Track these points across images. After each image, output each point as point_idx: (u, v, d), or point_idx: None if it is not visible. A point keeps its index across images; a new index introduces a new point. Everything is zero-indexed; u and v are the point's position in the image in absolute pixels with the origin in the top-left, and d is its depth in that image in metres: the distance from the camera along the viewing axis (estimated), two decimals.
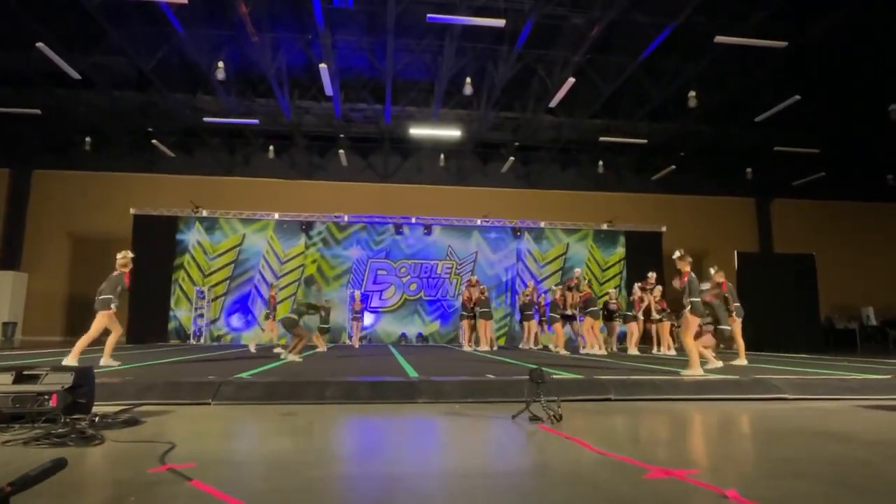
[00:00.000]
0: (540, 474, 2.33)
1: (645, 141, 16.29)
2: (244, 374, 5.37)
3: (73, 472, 2.27)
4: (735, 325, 7.94)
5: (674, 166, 18.04)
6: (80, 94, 14.40)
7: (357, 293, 12.50)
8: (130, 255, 6.71)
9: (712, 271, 8.60)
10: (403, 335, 16.00)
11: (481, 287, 10.99)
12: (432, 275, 17.35)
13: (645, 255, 17.74)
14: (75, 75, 12.34)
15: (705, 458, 2.64)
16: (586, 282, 10.46)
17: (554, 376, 3.97)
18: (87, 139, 16.67)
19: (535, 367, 3.77)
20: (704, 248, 19.67)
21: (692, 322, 6.41)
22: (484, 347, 10.38)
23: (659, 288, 11.05)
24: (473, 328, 11.70)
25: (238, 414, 3.88)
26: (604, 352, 9.72)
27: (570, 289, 10.34)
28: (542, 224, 18.03)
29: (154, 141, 16.45)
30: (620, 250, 18.32)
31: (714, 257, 19.39)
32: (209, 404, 4.13)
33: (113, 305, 6.40)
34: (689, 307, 6.25)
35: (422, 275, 17.37)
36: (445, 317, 16.88)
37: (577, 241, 18.29)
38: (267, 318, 10.90)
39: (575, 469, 2.40)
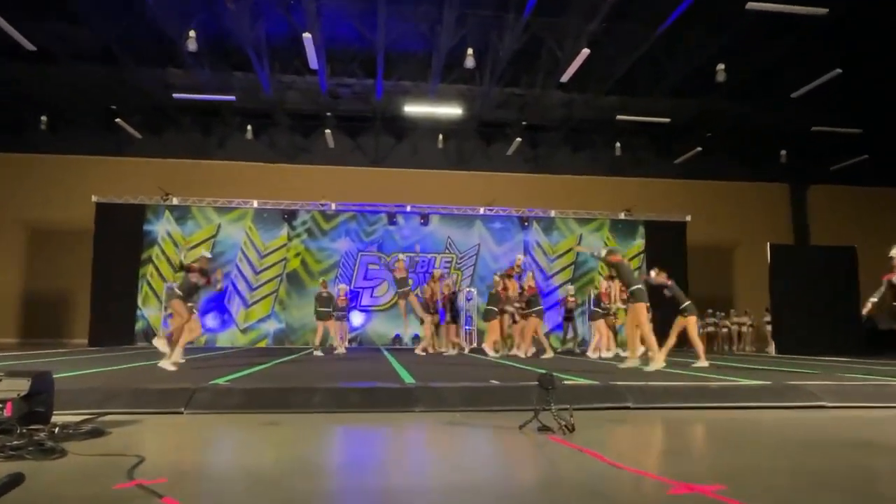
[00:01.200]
0: (550, 490, 2.34)
1: (667, 120, 16.27)
2: (221, 380, 5.37)
3: (32, 488, 2.27)
4: (689, 325, 8.37)
5: (699, 148, 18.03)
6: (35, 67, 14.32)
7: (342, 287, 12.43)
8: (207, 255, 7.89)
9: (653, 274, 9.26)
10: (398, 337, 16.03)
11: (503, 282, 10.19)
12: (430, 269, 17.38)
13: (667, 247, 17.80)
14: (30, 47, 12.27)
15: (733, 473, 2.65)
16: (531, 273, 10.00)
17: (566, 382, 3.98)
18: (44, 118, 16.62)
19: (544, 372, 3.78)
20: (733, 240, 19.72)
21: (640, 310, 6.57)
22: (522, 351, 9.80)
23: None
24: (456, 331, 11.37)
25: (214, 424, 3.89)
26: (550, 354, 9.47)
27: (509, 277, 9.89)
28: (553, 213, 18.07)
29: (119, 120, 16.40)
30: (639, 242, 18.36)
31: (744, 250, 19.47)
32: (182, 413, 4.14)
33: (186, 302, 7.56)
34: (631, 296, 6.61)
35: (418, 270, 17.41)
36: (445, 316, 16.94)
37: (592, 232, 18.31)
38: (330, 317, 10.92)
39: (589, 484, 2.41)
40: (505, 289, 10.13)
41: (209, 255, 8.08)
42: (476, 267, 17.84)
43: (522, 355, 9.27)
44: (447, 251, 17.58)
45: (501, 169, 18.93)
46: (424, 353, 10.17)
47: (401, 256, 11.84)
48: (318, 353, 11.11)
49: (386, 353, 11.13)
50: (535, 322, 9.52)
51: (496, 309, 9.90)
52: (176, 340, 7.20)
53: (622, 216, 18.09)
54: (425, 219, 17.42)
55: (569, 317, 12.30)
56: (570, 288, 12.95)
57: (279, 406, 4.30)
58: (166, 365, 6.91)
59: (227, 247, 16.85)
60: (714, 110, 16.50)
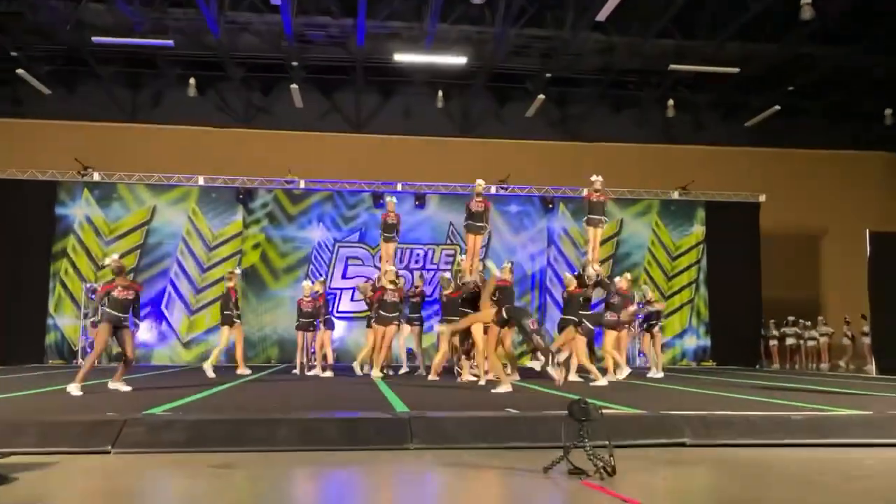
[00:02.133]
0: None
1: (735, 70, 16.19)
2: (158, 409, 5.38)
3: None
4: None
5: (777, 107, 17.97)
6: None
7: (307, 285, 12.29)
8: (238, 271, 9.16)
9: (617, 280, 10.46)
10: (409, 351, 16.04)
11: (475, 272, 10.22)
12: (427, 264, 17.38)
13: (734, 235, 17.79)
14: None
15: None
16: (509, 266, 10.07)
17: (604, 411, 3.96)
18: None
19: (576, 398, 3.78)
20: (821, 226, 19.71)
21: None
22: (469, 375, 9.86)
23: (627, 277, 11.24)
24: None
25: (150, 467, 3.89)
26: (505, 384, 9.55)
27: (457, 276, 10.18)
28: (585, 192, 17.83)
29: (20, 71, 16.34)
30: (698, 229, 18.33)
31: (835, 239, 19.46)
32: (108, 453, 4.15)
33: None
34: None
35: (412, 264, 17.40)
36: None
37: (637, 217, 18.28)
38: (226, 323, 11.02)
39: None
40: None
41: (117, 256, 8.36)
42: (485, 260, 17.80)
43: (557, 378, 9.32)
44: (449, 242, 17.57)
45: (519, 135, 18.88)
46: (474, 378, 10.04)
47: (388, 268, 11.75)
48: (318, 372, 11.45)
49: (372, 372, 11.14)
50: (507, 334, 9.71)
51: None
52: (87, 367, 7.70)
53: (676, 196, 18.05)
54: (421, 200, 17.41)
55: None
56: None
57: (234, 443, 4.30)
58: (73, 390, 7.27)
59: (165, 236, 16.86)
60: (798, 57, 16.42)
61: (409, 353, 13.25)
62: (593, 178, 11.47)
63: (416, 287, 12.67)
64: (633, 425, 4.74)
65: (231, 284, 11.20)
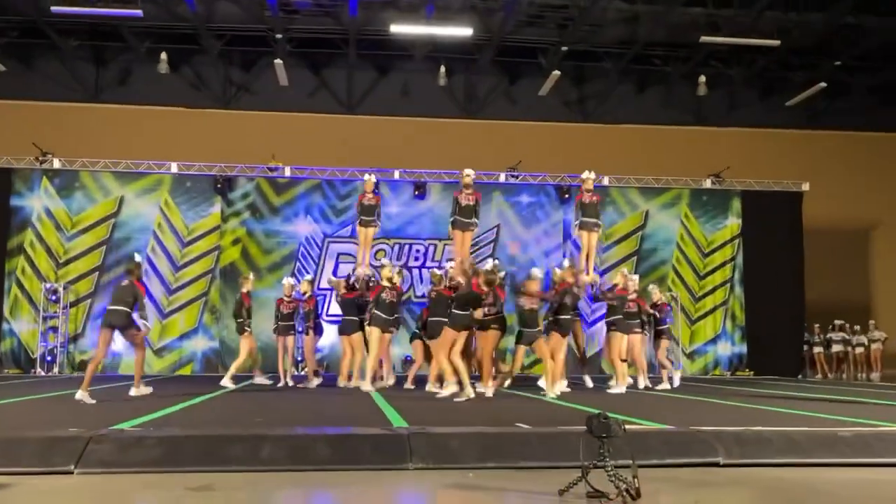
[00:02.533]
0: None
1: (775, 43, 16.13)
2: (127, 424, 5.39)
3: None
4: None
5: (822, 84, 17.90)
6: None
7: (288, 283, 12.14)
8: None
9: (559, 270, 10.24)
10: (408, 359, 16.05)
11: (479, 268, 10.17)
12: (428, 262, 17.37)
13: (774, 229, 17.75)
14: None
15: None
16: (494, 265, 10.14)
17: (627, 426, 3.95)
18: None
19: (596, 412, 3.77)
20: (871, 218, 19.65)
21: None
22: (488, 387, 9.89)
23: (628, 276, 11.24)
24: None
25: (118, 489, 3.88)
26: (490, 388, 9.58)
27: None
28: (606, 180, 17.99)
29: None
30: (734, 222, 18.31)
31: (888, 232, 19.39)
32: (71, 473, 4.15)
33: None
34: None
35: (411, 261, 17.40)
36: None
37: (663, 208, 18.27)
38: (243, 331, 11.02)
39: None
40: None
41: (139, 260, 9.10)
42: (494, 256, 17.75)
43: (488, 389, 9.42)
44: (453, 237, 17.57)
45: (531, 116, 18.87)
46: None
47: (385, 263, 11.69)
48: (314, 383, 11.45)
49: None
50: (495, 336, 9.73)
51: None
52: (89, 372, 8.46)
53: (708, 184, 18.02)
54: (421, 189, 17.39)
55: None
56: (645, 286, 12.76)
57: (212, 462, 4.30)
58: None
59: (134, 230, 16.87)
60: (844, 28, 16.35)
61: (409, 360, 13.26)
62: (584, 174, 11.50)
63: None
64: (660, 442, 4.72)
65: (245, 290, 11.07)
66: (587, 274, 10.90)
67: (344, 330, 10.85)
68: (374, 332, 10.15)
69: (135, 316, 8.78)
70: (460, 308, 8.90)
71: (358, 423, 5.76)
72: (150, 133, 17.73)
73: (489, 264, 9.96)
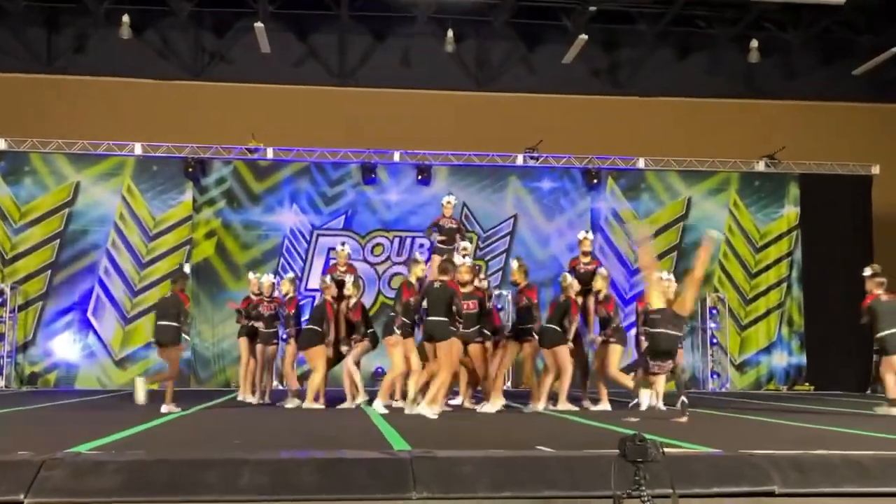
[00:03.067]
0: None
1: (840, 0, 16.04)
2: (84, 447, 5.40)
3: None
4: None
5: (895, 49, 17.78)
6: None
7: (265, 281, 11.79)
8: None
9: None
10: (379, 372, 16.08)
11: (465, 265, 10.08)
12: (430, 255, 17.37)
13: (839, 219, 17.66)
14: None
15: None
16: (515, 266, 10.53)
17: (666, 450, 3.93)
18: None
19: (631, 433, 3.76)
20: None
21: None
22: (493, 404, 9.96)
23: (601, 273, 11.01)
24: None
25: None
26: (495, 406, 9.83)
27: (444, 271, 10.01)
28: (642, 162, 17.95)
29: None
30: (791, 212, 18.27)
31: None
32: (20, 503, 4.16)
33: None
34: None
35: (415, 256, 17.39)
36: None
37: (709, 195, 18.22)
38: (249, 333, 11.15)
39: None
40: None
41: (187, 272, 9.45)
42: (510, 253, 17.78)
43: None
44: (462, 228, 17.56)
45: (554, 88, 18.79)
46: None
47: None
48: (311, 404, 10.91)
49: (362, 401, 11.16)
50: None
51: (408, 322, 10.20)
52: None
53: (761, 166, 17.97)
54: (425, 173, 17.39)
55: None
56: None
57: (182, 491, 4.30)
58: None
59: (91, 222, 16.92)
60: None
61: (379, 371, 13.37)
62: (581, 235, 11.59)
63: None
64: (705, 468, 4.70)
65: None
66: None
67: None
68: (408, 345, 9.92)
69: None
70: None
71: (352, 446, 5.77)
72: (111, 108, 17.73)
73: (514, 264, 10.20)
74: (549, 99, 18.76)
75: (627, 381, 10.29)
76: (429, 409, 8.82)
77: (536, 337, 10.03)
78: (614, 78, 19.16)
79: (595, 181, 17.72)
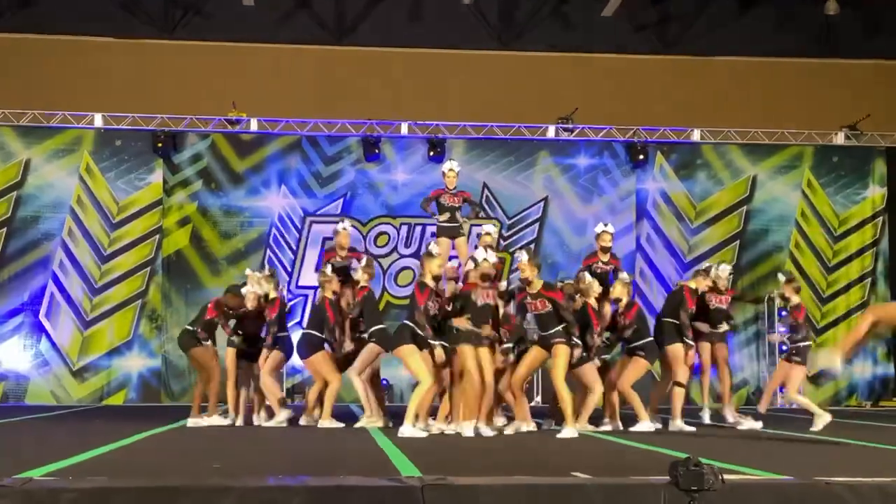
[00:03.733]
0: None
1: None
2: (37, 472, 5.44)
3: None
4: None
5: None
6: None
7: (255, 276, 11.64)
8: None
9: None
10: (385, 385, 16.11)
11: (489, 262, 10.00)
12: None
13: None
14: None
15: None
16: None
17: (726, 476, 3.91)
18: None
19: (684, 456, 3.77)
20: None
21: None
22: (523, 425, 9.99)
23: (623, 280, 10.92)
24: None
25: None
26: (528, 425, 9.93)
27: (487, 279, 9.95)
28: (696, 134, 17.93)
29: None
30: (876, 193, 18.24)
31: None
32: None
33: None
34: None
35: (423, 248, 17.37)
36: None
37: (778, 173, 18.16)
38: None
39: None
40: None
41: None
42: (540, 243, 17.78)
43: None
44: (483, 213, 17.52)
45: (591, 47, 18.75)
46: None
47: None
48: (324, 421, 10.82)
49: (361, 416, 11.18)
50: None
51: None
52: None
53: (841, 139, 17.89)
54: (438, 149, 17.38)
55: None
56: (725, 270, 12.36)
57: None
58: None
59: (44, 206, 17.00)
60: None
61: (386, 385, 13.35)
62: (600, 228, 11.31)
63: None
64: (773, 499, 4.70)
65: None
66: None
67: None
68: (467, 352, 9.84)
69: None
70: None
71: (352, 471, 5.77)
72: (66, 72, 17.75)
73: (523, 256, 9.89)
74: (586, 59, 18.72)
75: (637, 400, 10.31)
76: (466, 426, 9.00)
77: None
78: (663, 34, 19.07)
79: (641, 157, 17.68)
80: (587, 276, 10.43)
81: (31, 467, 5.68)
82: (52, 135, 17.00)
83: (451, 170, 11.74)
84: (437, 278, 9.89)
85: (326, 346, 10.70)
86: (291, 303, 15.04)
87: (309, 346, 10.64)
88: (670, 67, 18.79)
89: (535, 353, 9.72)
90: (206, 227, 17.18)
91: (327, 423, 10.42)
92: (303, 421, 10.80)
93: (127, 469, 6.06)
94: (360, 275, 10.78)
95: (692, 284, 10.88)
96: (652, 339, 10.49)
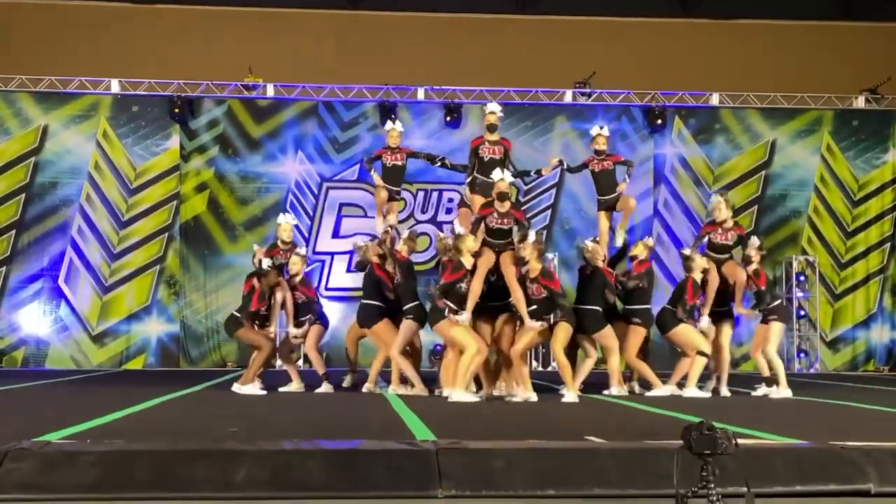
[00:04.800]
0: None
1: None
2: (55, 435, 5.48)
3: None
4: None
5: None
6: None
7: (291, 233, 11.54)
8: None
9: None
10: (438, 350, 16.14)
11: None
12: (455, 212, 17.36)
13: None
14: None
15: None
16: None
17: (741, 441, 3.91)
18: None
19: (698, 420, 3.76)
20: None
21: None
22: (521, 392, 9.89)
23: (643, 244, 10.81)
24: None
25: None
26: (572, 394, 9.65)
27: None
28: (715, 98, 17.80)
29: None
30: (895, 158, 18.11)
31: None
32: None
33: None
34: None
35: (441, 214, 17.41)
36: None
37: (797, 138, 18.02)
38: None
39: None
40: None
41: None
42: (556, 211, 17.73)
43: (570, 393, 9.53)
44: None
45: (609, 10, 18.63)
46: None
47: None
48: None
49: (380, 381, 11.20)
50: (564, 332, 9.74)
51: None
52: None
53: (861, 103, 17.73)
54: (454, 114, 17.30)
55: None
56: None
57: (168, 486, 4.33)
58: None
59: (62, 172, 17.03)
60: None
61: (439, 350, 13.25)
62: (594, 130, 11.31)
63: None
64: (787, 463, 4.68)
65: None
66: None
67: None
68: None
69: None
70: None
71: (368, 435, 5.80)
72: (83, 38, 17.77)
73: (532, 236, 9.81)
74: (604, 23, 18.59)
75: (646, 369, 10.28)
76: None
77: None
78: None
79: (659, 122, 17.57)
80: (589, 243, 10.42)
81: (49, 430, 5.72)
82: (70, 101, 16.99)
83: (493, 111, 11.00)
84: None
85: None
86: (309, 268, 15.01)
87: (370, 316, 10.51)
88: (689, 31, 18.65)
89: (532, 334, 9.69)
90: (224, 193, 17.19)
91: (399, 388, 10.38)
92: (365, 389, 10.58)
93: (144, 432, 6.09)
94: (401, 246, 10.55)
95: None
96: (649, 306, 10.40)
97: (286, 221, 11.24)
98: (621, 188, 11.05)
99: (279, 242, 10.99)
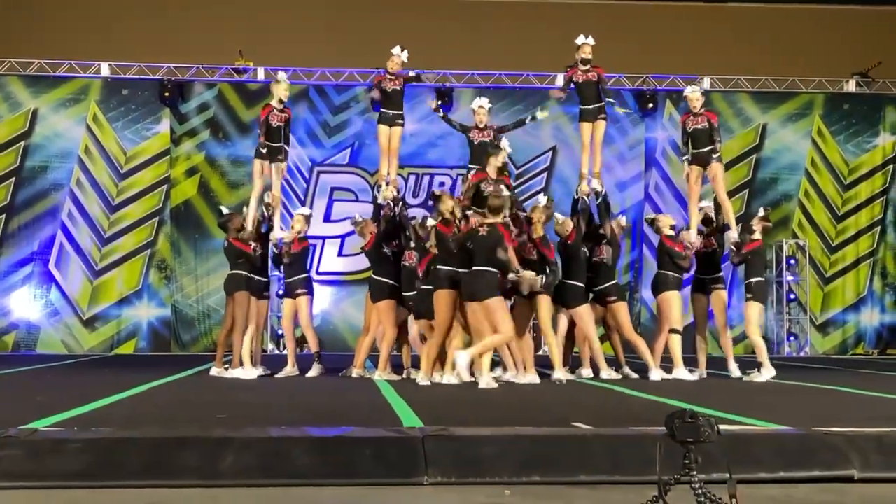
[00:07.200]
0: None
1: None
2: (43, 423, 5.50)
3: None
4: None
5: None
6: None
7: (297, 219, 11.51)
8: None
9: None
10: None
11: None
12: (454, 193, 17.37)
13: None
14: None
15: None
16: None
17: (722, 427, 3.92)
18: None
19: (683, 407, 3.78)
20: None
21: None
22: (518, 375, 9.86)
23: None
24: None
25: None
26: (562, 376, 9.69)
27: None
28: (706, 82, 17.76)
29: None
30: (887, 141, 18.15)
31: None
32: None
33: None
34: None
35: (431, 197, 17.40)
36: None
37: (788, 121, 18.04)
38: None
39: None
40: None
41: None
42: (548, 192, 17.70)
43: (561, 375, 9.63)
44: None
45: None
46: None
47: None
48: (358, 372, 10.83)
49: (370, 366, 11.23)
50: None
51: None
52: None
53: (852, 86, 17.73)
54: (446, 98, 17.28)
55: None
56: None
57: (157, 474, 4.35)
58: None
59: (51, 156, 17.00)
60: None
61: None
62: (580, 40, 11.61)
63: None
64: (770, 449, 4.71)
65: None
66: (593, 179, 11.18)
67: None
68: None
69: None
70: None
71: (355, 422, 5.81)
72: (72, 22, 17.71)
73: (542, 200, 9.96)
74: (595, 6, 18.54)
75: (644, 346, 10.31)
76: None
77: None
78: None
79: (650, 105, 17.58)
80: (560, 216, 10.41)
81: (36, 418, 5.74)
82: (59, 84, 16.97)
83: (481, 107, 11.25)
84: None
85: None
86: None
87: (378, 292, 10.34)
88: (680, 14, 18.65)
89: (520, 309, 9.67)
90: (214, 177, 17.19)
91: (384, 374, 10.32)
92: (375, 376, 10.39)
93: (132, 420, 6.11)
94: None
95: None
96: (615, 282, 10.57)
97: (299, 213, 11.40)
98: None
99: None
